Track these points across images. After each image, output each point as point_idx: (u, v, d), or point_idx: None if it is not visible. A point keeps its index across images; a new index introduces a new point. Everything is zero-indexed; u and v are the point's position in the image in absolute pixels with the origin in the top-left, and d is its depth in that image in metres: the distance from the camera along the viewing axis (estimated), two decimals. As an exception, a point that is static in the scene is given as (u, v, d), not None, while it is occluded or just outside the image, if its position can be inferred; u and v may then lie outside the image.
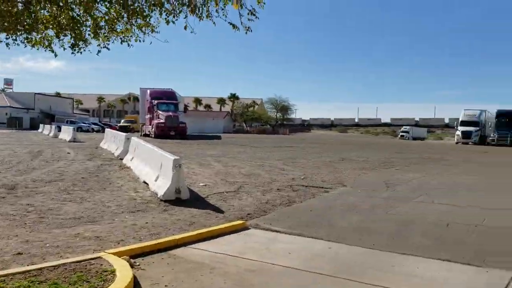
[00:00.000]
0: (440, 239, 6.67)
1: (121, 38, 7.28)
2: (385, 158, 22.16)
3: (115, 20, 6.90)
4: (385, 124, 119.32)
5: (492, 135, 48.72)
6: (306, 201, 9.57)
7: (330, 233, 6.88)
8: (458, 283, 4.91)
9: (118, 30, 7.15)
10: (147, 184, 10.66)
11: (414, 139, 77.59)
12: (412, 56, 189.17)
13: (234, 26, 6.22)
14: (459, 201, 9.83)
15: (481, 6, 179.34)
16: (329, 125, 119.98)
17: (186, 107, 49.01)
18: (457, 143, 50.47)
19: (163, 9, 6.53)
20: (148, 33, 7.23)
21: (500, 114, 49.33)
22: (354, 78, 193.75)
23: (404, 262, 5.56)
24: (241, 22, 6.28)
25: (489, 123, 52.30)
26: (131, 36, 7.14)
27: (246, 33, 6.32)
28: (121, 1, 6.44)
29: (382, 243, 6.43)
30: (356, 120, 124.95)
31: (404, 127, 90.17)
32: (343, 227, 7.33)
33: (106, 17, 6.84)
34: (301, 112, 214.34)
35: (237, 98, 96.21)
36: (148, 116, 41.23)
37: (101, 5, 6.74)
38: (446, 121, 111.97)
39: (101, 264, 4.93)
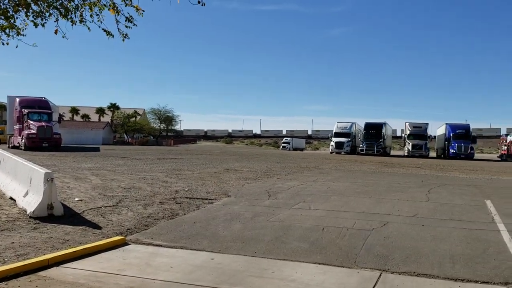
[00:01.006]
0: (316, 243, 7.06)
1: (-21, 40, 6.53)
2: (268, 168, 22.96)
3: (-28, 20, 6.17)
4: (255, 136, 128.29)
5: (361, 145, 53.25)
6: (189, 213, 9.47)
7: (213, 244, 6.88)
8: (332, 285, 5.22)
9: (-24, 30, 6.41)
10: (14, 200, 9.70)
11: (295, 149, 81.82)
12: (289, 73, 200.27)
13: (108, 33, 5.94)
14: (332, 206, 10.53)
15: (352, 25, 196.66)
16: (203, 136, 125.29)
17: (61, 117, 45.71)
18: (331, 152, 54.27)
19: (30, 10, 6.00)
20: (13, 35, 6.59)
21: (368, 127, 54.32)
22: (241, 91, 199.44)
23: (283, 268, 5.76)
24: (118, 29, 6.04)
25: (359, 135, 57.28)
26: (-9, 38, 6.44)
27: (123, 40, 6.09)
28: (-22, -1, 5.79)
29: (263, 250, 6.61)
30: (230, 131, 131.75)
31: (285, 138, 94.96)
32: (226, 237, 7.38)
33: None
34: (187, 123, 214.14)
35: (118, 108, 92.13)
36: (17, 126, 37.80)
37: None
38: (309, 132, 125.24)
39: (-48, 295, 4.32)
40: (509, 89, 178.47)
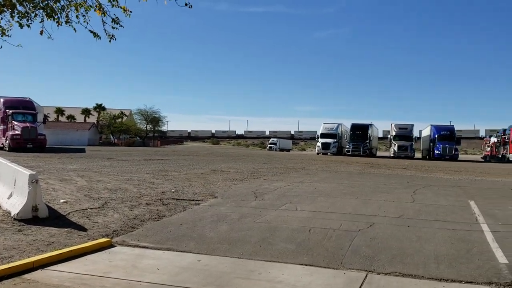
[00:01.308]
0: (303, 244, 7.09)
1: (-38, 40, 6.44)
2: (254, 168, 22.96)
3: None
4: (239, 136, 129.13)
5: (347, 146, 53.49)
6: (176, 214, 9.44)
7: (200, 246, 6.87)
8: (318, 286, 5.25)
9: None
10: (-2, 203, 9.57)
11: (281, 150, 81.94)
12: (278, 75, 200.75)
13: (95, 34, 5.91)
14: (319, 207, 10.58)
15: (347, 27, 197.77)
16: (186, 136, 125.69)
17: (46, 117, 45.10)
18: (318, 153, 54.43)
19: (15, 11, 5.93)
20: (-2, 36, 6.51)
21: (354, 127, 54.55)
22: (228, 92, 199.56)
23: (270, 269, 5.78)
24: (105, 30, 6.01)
25: (345, 136, 57.56)
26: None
27: (110, 41, 6.06)
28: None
29: (250, 251, 6.62)
30: (213, 132, 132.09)
31: (272, 139, 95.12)
32: (213, 238, 7.38)
33: None
34: (172, 124, 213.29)
35: (104, 108, 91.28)
36: (1, 127, 37.27)
37: None
38: (292, 132, 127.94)
39: None
40: (495, 90, 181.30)
